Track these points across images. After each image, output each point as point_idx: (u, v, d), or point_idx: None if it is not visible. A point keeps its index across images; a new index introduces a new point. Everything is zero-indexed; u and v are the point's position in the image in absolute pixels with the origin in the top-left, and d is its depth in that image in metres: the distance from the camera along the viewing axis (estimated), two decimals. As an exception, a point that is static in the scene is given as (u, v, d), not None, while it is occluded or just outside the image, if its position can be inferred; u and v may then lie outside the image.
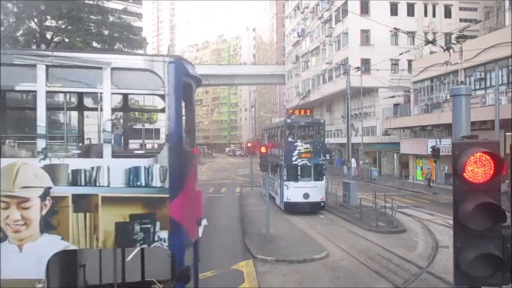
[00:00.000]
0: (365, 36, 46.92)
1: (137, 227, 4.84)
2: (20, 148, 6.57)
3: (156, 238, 4.89)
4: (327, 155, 29.18)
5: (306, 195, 22.53)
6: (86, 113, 8.07)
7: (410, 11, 47.44)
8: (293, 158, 22.80)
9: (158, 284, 6.59)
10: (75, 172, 4.73)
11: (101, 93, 4.99)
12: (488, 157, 4.04)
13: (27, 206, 4.64)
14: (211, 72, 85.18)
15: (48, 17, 30.37)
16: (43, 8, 29.06)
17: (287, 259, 14.04)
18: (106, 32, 31.92)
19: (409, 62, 41.70)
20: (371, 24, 36.77)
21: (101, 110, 5.13)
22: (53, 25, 31.31)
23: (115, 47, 33.56)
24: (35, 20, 29.73)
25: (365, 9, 46.49)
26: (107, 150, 4.84)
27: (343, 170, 41.47)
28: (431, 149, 29.21)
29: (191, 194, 5.37)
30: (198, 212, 5.78)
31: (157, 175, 4.87)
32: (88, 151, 6.32)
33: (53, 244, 4.69)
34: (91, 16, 30.97)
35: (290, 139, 23.64)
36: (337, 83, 48.91)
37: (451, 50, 21.99)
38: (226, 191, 34.24)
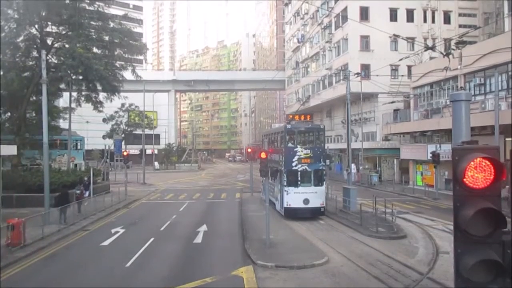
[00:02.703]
0: (365, 42, 47.03)
1: None
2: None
3: None
4: (327, 161, 29.13)
5: (306, 201, 22.49)
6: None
7: (410, 17, 47.58)
8: (293, 164, 22.78)
9: None
10: None
11: None
12: (488, 163, 4.04)
13: None
14: (211, 78, 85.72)
15: (49, 23, 30.51)
16: (43, 14, 29.18)
17: (287, 265, 13.99)
18: (107, 38, 32.06)
19: (409, 67, 41.77)
20: (371, 30, 36.86)
21: None
22: (53, 31, 31.44)
23: (116, 52, 33.72)
24: (36, 26, 29.84)
25: (364, 15, 46.65)
26: None
27: (343, 176, 41.43)
28: (431, 155, 29.16)
29: None
30: None
31: None
32: None
33: None
34: (92, 22, 31.12)
35: (290, 144, 23.62)
36: (337, 88, 48.98)
37: (450, 56, 22.07)
38: (226, 197, 34.21)
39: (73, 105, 35.99)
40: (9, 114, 32.98)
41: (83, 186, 25.94)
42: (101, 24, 31.37)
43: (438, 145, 32.24)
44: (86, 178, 27.12)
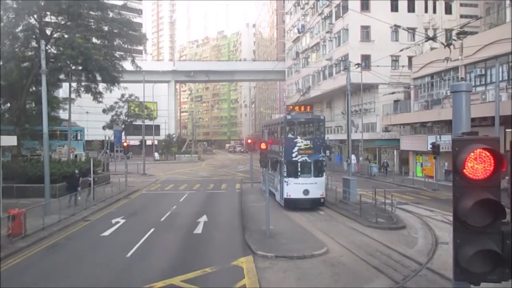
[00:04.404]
0: (366, 32, 46.81)
1: None
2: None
3: None
4: (327, 152, 29.12)
5: (306, 192, 22.54)
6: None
7: (411, 7, 47.29)
8: (293, 155, 22.79)
9: None
10: None
11: None
12: (488, 154, 4.03)
13: None
14: (211, 68, 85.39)
15: (48, 13, 30.30)
16: (42, 4, 28.99)
17: (287, 255, 14.06)
18: (106, 28, 31.88)
19: (410, 58, 41.63)
20: (372, 20, 36.66)
21: None
22: (52, 21, 31.26)
23: (115, 43, 33.54)
24: (35, 16, 29.66)
25: (365, 5, 46.37)
26: None
27: (343, 167, 41.49)
28: (431, 146, 29.15)
29: None
30: None
31: None
32: None
33: None
34: (91, 12, 30.91)
35: (290, 135, 23.62)
36: (337, 79, 48.85)
37: (451, 47, 21.97)
38: (226, 188, 34.27)
39: (72, 95, 35.91)
40: (8, 104, 32.93)
41: (74, 180, 25.33)
42: (100, 14, 31.16)
43: (438, 136, 32.26)
44: (77, 171, 26.48)
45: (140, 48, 49.09)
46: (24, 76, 30.01)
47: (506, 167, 4.12)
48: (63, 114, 39.70)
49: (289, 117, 24.39)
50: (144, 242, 16.20)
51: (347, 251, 14.77)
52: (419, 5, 47.48)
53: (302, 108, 28.36)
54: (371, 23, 42.84)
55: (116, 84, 34.47)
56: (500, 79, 27.27)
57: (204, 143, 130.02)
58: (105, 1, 32.21)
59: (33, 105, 32.95)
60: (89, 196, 25.48)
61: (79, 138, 47.21)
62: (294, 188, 22.69)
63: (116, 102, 55.59)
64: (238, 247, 15.53)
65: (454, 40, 32.83)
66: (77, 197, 23.70)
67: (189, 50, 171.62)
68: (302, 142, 22.98)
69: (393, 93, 39.69)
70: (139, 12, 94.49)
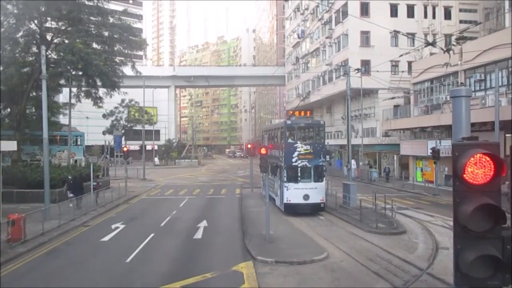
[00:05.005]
0: (365, 38, 46.93)
1: None
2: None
3: None
4: (327, 157, 29.12)
5: (306, 197, 22.50)
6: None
7: (410, 13, 47.43)
8: (293, 160, 22.78)
9: None
10: None
11: None
12: (488, 159, 4.04)
13: None
14: (211, 74, 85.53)
15: (48, 18, 30.39)
16: (43, 9, 29.07)
17: (287, 260, 14.02)
18: (106, 34, 31.95)
19: (409, 63, 41.71)
20: (371, 25, 36.75)
21: None
22: (53, 26, 31.34)
23: (115, 48, 33.62)
24: (35, 21, 29.75)
25: (365, 11, 46.51)
26: None
27: (343, 172, 41.46)
28: (431, 151, 29.12)
29: None
30: None
31: None
32: None
33: None
34: (91, 18, 30.99)
35: (290, 140, 23.61)
36: (337, 84, 48.94)
37: (451, 52, 22.00)
38: (226, 193, 34.23)
39: (73, 100, 35.94)
40: (9, 109, 32.96)
41: (67, 185, 25.16)
42: (100, 19, 31.23)
43: (438, 141, 32.24)
44: (70, 177, 26.05)
45: (140, 53, 49.26)
46: (24, 81, 30.06)
47: (506, 172, 4.13)
48: (63, 119, 39.70)
49: (289, 122, 24.38)
50: (144, 247, 16.17)
51: (348, 256, 14.73)
52: (418, 10, 47.63)
53: (302, 113, 28.33)
54: (371, 29, 42.93)
55: (116, 89, 34.53)
56: (500, 84, 27.32)
57: (204, 148, 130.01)
58: (106, 6, 32.28)
59: (33, 110, 32.97)
60: (96, 200, 26.08)
61: (79, 143, 47.17)
62: (294, 193, 22.64)
63: (116, 107, 55.60)
64: (238, 252, 15.49)
65: (454, 45, 32.90)
66: (77, 201, 23.81)
67: (189, 55, 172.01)
68: (302, 147, 22.96)
69: (393, 98, 39.74)
70: (139, 17, 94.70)
